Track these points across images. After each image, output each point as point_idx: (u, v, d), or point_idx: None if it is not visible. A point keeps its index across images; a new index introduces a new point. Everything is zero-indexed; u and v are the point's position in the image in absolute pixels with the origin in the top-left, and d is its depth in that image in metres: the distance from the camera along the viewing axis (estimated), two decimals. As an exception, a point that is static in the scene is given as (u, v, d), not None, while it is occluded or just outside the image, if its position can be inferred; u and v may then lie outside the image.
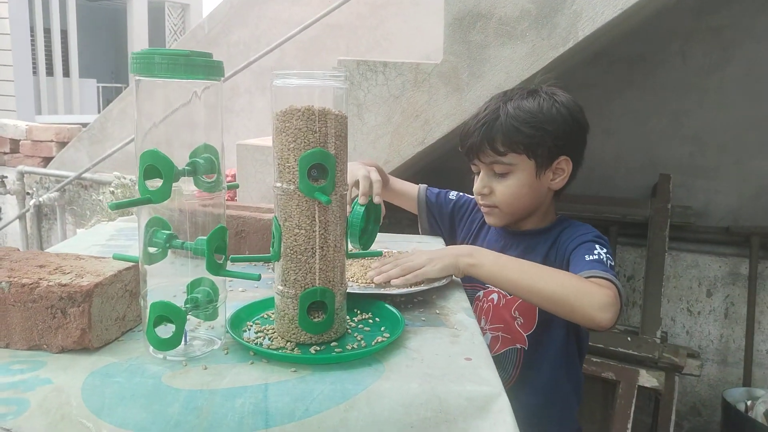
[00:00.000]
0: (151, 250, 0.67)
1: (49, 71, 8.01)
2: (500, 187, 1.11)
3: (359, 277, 0.93)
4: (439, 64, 1.69)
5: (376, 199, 0.99)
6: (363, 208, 0.89)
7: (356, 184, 1.08)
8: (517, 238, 1.18)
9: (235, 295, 0.89)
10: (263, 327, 0.77)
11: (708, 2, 2.38)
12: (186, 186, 0.67)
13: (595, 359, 2.16)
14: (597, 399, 2.33)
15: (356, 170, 1.09)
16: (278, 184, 0.71)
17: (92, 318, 0.66)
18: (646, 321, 2.28)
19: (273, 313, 0.76)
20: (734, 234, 2.45)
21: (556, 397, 1.15)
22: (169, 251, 0.67)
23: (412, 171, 1.94)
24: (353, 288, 0.88)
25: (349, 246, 0.80)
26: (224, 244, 0.68)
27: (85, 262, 0.75)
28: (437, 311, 0.88)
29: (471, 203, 1.32)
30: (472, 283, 1.14)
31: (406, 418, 0.62)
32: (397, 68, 1.73)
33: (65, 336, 0.66)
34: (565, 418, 1.17)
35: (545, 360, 1.13)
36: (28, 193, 3.08)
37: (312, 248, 0.71)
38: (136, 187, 0.65)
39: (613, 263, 1.01)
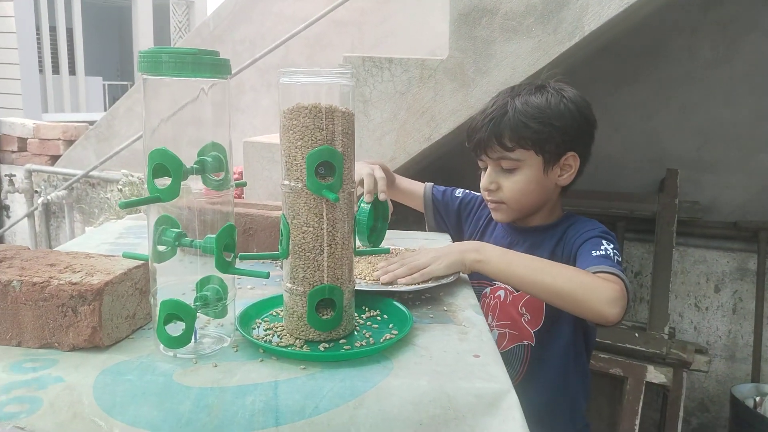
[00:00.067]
0: (161, 248, 0.67)
1: (56, 69, 8.03)
2: (507, 183, 1.11)
3: (367, 274, 0.93)
4: (445, 59, 1.69)
5: (382, 196, 0.99)
6: (369, 206, 0.90)
7: (361, 182, 1.09)
8: (524, 234, 1.18)
9: (243, 292, 0.90)
10: (272, 324, 0.77)
11: (715, -5, 2.37)
12: (194, 184, 0.67)
13: (602, 355, 2.16)
14: (605, 395, 2.33)
15: (360, 169, 1.09)
16: (286, 182, 0.71)
17: (103, 316, 0.67)
18: (654, 317, 2.27)
19: (282, 311, 0.77)
20: (742, 229, 2.43)
21: (564, 394, 1.15)
22: (178, 249, 0.67)
23: (418, 168, 1.94)
24: (361, 285, 0.88)
25: (357, 243, 0.80)
26: (233, 242, 0.69)
27: (95, 261, 0.76)
28: (445, 308, 0.88)
29: (477, 200, 1.32)
30: (478, 280, 1.14)
31: (415, 415, 0.62)
32: (402, 64, 1.72)
33: (76, 334, 0.67)
34: (573, 415, 1.17)
35: (552, 356, 1.13)
36: (36, 192, 3.10)
37: (320, 245, 0.71)
38: (144, 185, 0.65)
39: (620, 259, 1.01)
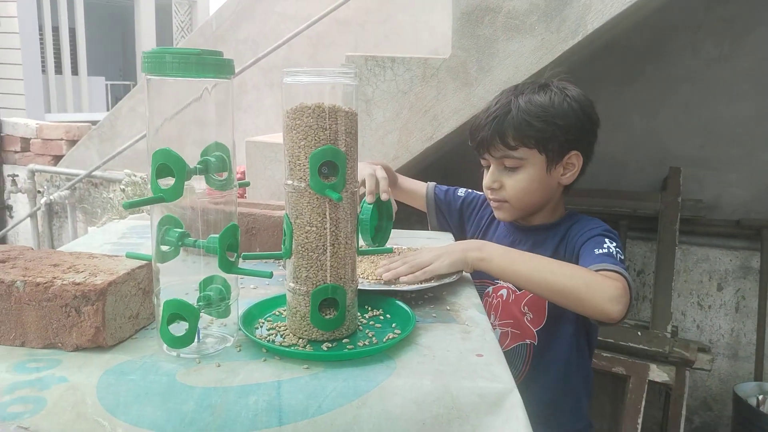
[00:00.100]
0: (164, 248, 0.67)
1: (58, 69, 8.04)
2: (510, 182, 1.11)
3: (369, 273, 0.93)
4: (448, 58, 1.69)
5: (383, 196, 0.99)
6: (372, 206, 0.90)
7: (362, 183, 1.09)
8: (527, 233, 1.18)
9: (246, 292, 0.90)
10: (275, 324, 0.77)
11: (718, -7, 2.37)
12: (198, 184, 0.67)
13: (605, 354, 2.16)
14: (607, 394, 2.33)
15: (362, 169, 1.09)
16: (289, 182, 0.71)
17: (106, 316, 0.67)
18: (657, 315, 2.27)
19: (285, 310, 0.77)
20: (745, 227, 2.43)
21: (566, 393, 1.15)
22: (182, 249, 0.67)
23: (420, 167, 1.94)
24: (364, 285, 0.88)
25: (360, 242, 0.80)
26: (236, 242, 0.69)
27: (98, 261, 0.76)
28: (448, 307, 0.88)
29: (479, 200, 1.32)
30: (481, 279, 1.14)
31: (418, 414, 0.62)
32: (405, 63, 1.72)
33: (80, 334, 0.67)
34: (575, 413, 1.17)
35: (555, 355, 1.13)
36: (38, 192, 3.11)
37: (323, 245, 0.71)
38: (147, 185, 0.65)
39: (623, 257, 1.01)
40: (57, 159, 3.13)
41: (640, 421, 2.08)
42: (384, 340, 0.73)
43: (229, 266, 0.67)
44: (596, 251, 1.00)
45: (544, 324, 1.12)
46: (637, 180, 2.56)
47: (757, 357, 2.41)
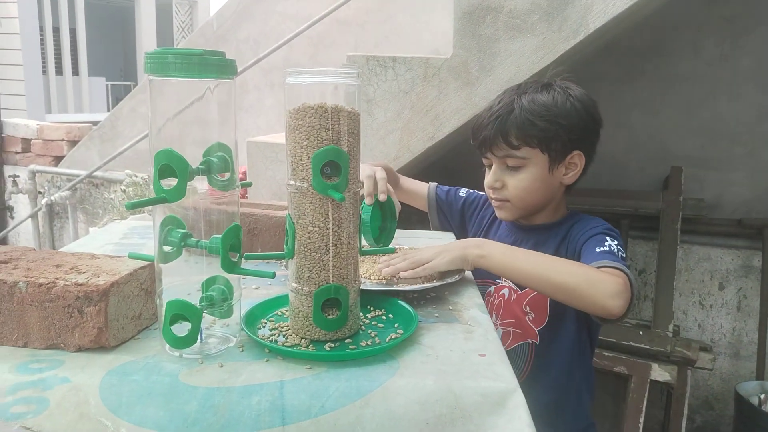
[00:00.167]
0: (166, 248, 0.67)
1: (59, 70, 8.05)
2: (513, 181, 1.11)
3: (371, 273, 0.93)
4: (449, 58, 1.68)
5: (381, 197, 0.99)
6: (371, 207, 0.90)
7: (362, 184, 1.08)
8: (528, 232, 1.17)
9: (249, 292, 0.90)
10: (278, 324, 0.77)
11: (719, -8, 2.36)
12: (200, 184, 0.67)
13: (607, 353, 2.16)
14: (609, 393, 2.33)
15: (362, 171, 1.09)
16: (291, 182, 0.71)
17: (109, 317, 0.67)
18: (658, 315, 2.27)
19: (287, 311, 0.77)
20: (747, 226, 2.43)
21: (568, 392, 1.15)
22: (184, 250, 0.67)
23: (421, 167, 1.94)
24: (366, 285, 0.88)
25: (363, 243, 0.80)
26: (238, 242, 0.69)
27: (100, 262, 0.76)
28: (450, 307, 0.88)
29: (481, 200, 1.31)
30: (482, 279, 1.14)
31: (421, 414, 0.62)
32: (406, 63, 1.72)
33: (82, 335, 0.67)
34: (577, 413, 1.17)
35: (557, 355, 1.12)
36: (39, 192, 3.11)
37: (326, 245, 0.71)
38: (148, 185, 0.65)
39: (624, 255, 1.01)
40: (58, 160, 3.13)
41: (641, 420, 2.08)
42: (387, 340, 0.73)
43: (231, 266, 0.67)
44: (597, 249, 1.00)
45: (546, 323, 1.12)
46: (639, 179, 2.56)
47: (758, 356, 2.41)
